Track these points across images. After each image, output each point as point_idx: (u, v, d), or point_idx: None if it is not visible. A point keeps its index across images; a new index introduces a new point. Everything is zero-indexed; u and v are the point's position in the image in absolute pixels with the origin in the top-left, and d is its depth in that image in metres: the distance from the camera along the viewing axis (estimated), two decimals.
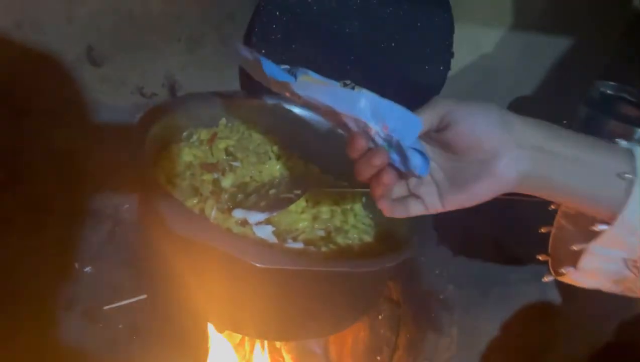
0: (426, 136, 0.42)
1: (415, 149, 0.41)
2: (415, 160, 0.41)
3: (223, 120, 0.68)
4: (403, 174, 0.43)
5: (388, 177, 0.42)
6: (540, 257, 0.47)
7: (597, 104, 0.77)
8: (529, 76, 1.05)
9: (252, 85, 0.76)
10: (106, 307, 0.54)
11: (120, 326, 0.55)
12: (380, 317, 0.69)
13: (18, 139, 0.68)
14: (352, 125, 0.42)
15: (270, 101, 0.71)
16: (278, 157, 0.68)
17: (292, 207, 0.59)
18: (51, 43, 0.72)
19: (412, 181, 0.44)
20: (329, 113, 0.44)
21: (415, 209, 0.45)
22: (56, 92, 0.74)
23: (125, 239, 0.59)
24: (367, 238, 0.60)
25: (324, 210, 0.62)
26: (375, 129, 0.41)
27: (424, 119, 0.41)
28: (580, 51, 1.06)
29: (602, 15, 1.02)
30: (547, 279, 0.47)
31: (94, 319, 0.54)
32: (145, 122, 0.57)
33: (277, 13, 0.74)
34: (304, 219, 0.60)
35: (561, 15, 1.01)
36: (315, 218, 0.61)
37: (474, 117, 0.40)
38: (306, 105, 0.45)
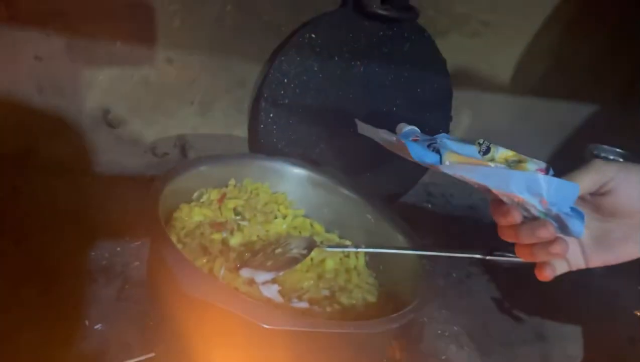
0: (579, 199, 0.42)
1: (573, 214, 0.41)
2: (575, 227, 0.41)
3: (232, 181, 0.70)
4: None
5: (560, 248, 0.42)
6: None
7: None
8: (525, 139, 1.08)
9: (259, 148, 0.80)
10: None
11: None
12: None
13: (34, 198, 0.71)
14: (504, 198, 0.43)
15: (276, 162, 0.74)
16: (284, 217, 0.70)
17: (298, 265, 0.61)
18: (70, 106, 0.76)
19: None
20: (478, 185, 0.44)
21: (561, 268, 0.45)
22: (73, 152, 0.78)
23: (135, 296, 0.61)
24: (371, 298, 0.61)
25: (329, 269, 0.64)
26: (532, 203, 0.41)
27: (583, 185, 0.42)
28: (576, 115, 1.10)
29: (597, 81, 1.06)
30: None
31: None
32: (159, 183, 0.59)
33: (285, 80, 0.78)
34: (309, 278, 0.61)
35: (558, 81, 1.05)
36: (320, 277, 0.62)
37: (636, 185, 0.41)
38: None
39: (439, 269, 0.76)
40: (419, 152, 0.45)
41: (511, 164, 0.43)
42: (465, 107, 0.95)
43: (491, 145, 0.44)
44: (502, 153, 0.44)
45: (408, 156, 0.46)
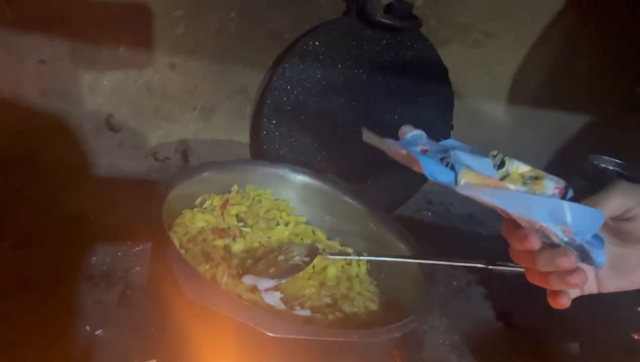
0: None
1: (595, 243, 0.39)
2: (598, 257, 0.39)
3: (235, 187, 0.70)
4: None
5: (580, 279, 0.40)
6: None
7: (591, 177, 0.80)
8: (525, 148, 1.09)
9: (261, 154, 0.80)
10: None
11: None
12: None
13: (35, 201, 0.70)
14: (523, 223, 0.40)
15: (278, 169, 0.74)
16: (286, 223, 0.70)
17: (300, 273, 0.61)
18: (73, 110, 0.76)
19: None
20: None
21: (574, 293, 0.44)
22: (75, 156, 0.78)
23: (136, 302, 0.61)
24: (373, 306, 0.61)
25: (331, 276, 0.64)
26: (555, 231, 0.39)
27: (608, 209, 0.40)
28: (575, 125, 1.10)
29: (597, 92, 1.07)
30: None
31: None
32: (163, 188, 0.59)
33: (288, 87, 0.78)
34: (311, 285, 0.61)
35: (557, 91, 1.06)
36: (321, 284, 0.62)
37: None
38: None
39: (440, 278, 0.76)
40: (432, 169, 0.42)
41: (527, 181, 0.41)
42: (466, 116, 0.96)
43: (505, 158, 0.42)
44: (516, 167, 0.42)
45: (418, 169, 0.43)
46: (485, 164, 0.42)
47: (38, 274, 0.60)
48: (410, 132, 0.50)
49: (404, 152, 0.46)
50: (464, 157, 0.42)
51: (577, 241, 0.39)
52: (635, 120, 1.05)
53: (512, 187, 0.40)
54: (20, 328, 0.53)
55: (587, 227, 0.38)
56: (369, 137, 0.52)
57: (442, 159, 0.43)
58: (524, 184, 0.41)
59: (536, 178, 0.41)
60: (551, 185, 0.40)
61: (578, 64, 1.05)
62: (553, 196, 0.40)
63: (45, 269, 0.61)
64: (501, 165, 0.42)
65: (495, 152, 0.43)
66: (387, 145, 0.49)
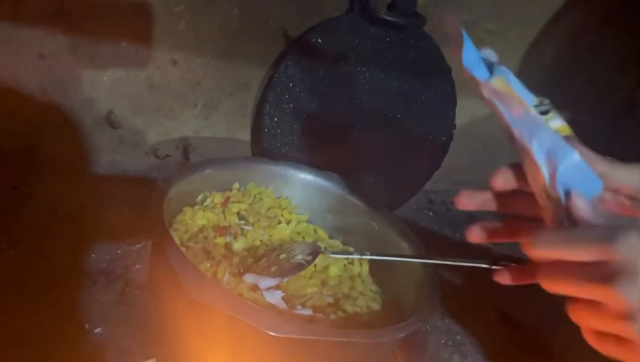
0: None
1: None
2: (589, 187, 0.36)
3: (236, 185, 0.70)
4: None
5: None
6: None
7: None
8: None
9: (262, 152, 0.80)
10: None
11: None
12: None
13: (34, 198, 0.70)
14: (519, 148, 0.39)
15: (280, 167, 0.73)
16: (288, 222, 0.69)
17: (301, 272, 0.60)
18: (73, 106, 0.76)
19: None
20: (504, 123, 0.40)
21: None
22: (74, 152, 0.77)
23: (136, 300, 0.60)
24: (375, 306, 0.61)
25: (333, 275, 0.63)
26: (541, 169, 0.37)
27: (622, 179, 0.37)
28: (579, 125, 1.10)
29: (602, 92, 1.07)
30: None
31: None
32: (164, 185, 0.59)
33: (290, 84, 0.78)
34: (313, 284, 0.61)
35: (561, 90, 1.05)
36: (323, 283, 0.62)
37: None
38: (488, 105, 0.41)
39: (442, 277, 0.76)
40: (471, 58, 0.40)
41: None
42: (468, 115, 0.95)
43: (552, 111, 0.39)
44: (557, 124, 0.39)
45: (457, 52, 0.40)
46: (525, 94, 0.40)
47: (36, 271, 0.60)
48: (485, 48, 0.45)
49: (458, 31, 0.41)
50: (509, 76, 0.40)
51: (556, 191, 0.36)
52: (639, 120, 1.05)
53: (532, 112, 0.39)
54: (17, 326, 0.53)
55: (576, 184, 0.36)
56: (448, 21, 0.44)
57: (487, 62, 0.41)
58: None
59: (566, 139, 0.38)
60: (575, 153, 0.37)
61: (581, 63, 1.04)
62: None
63: (44, 267, 0.60)
64: (544, 112, 0.39)
65: (547, 100, 0.40)
66: (454, 21, 0.43)
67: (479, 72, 0.40)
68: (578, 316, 0.36)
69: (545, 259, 0.36)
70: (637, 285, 0.30)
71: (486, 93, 0.40)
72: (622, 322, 0.31)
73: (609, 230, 0.33)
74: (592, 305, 0.33)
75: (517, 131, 0.39)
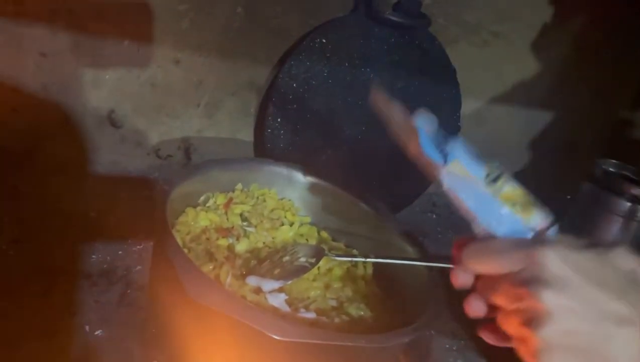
0: None
1: None
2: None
3: (239, 186, 0.69)
4: None
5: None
6: None
7: (600, 182, 0.79)
8: (534, 150, 1.08)
9: (265, 152, 0.79)
10: None
11: None
12: None
13: (34, 198, 0.69)
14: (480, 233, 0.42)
15: (284, 168, 0.73)
16: (291, 224, 0.69)
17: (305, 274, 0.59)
18: (75, 105, 0.75)
19: None
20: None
21: None
22: (75, 152, 0.76)
23: (137, 302, 0.59)
24: (379, 309, 0.60)
25: (336, 278, 0.62)
26: None
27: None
28: (583, 128, 1.09)
29: (605, 95, 1.06)
30: None
31: None
32: (167, 185, 0.58)
33: (294, 85, 0.77)
34: (316, 287, 0.60)
35: (565, 93, 1.05)
36: (327, 286, 0.61)
37: None
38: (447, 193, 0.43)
39: (446, 281, 0.75)
40: (427, 145, 0.43)
41: (516, 205, 0.41)
42: (473, 117, 0.95)
43: (502, 176, 0.41)
44: (509, 190, 0.41)
45: (412, 145, 0.44)
46: (476, 167, 0.42)
47: (36, 272, 0.59)
48: (425, 113, 0.48)
49: (409, 122, 0.46)
50: (460, 152, 0.42)
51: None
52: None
53: (483, 189, 0.41)
54: (17, 327, 0.52)
55: None
56: (377, 96, 0.50)
57: (438, 146, 0.43)
58: (512, 206, 0.41)
59: (526, 206, 0.41)
60: (537, 221, 0.40)
61: (585, 65, 1.04)
62: (533, 230, 0.40)
63: (44, 267, 0.60)
64: (495, 179, 0.41)
65: (497, 164, 0.42)
66: (395, 110, 0.49)
67: (436, 157, 0.43)
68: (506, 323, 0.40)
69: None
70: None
71: (445, 182, 0.42)
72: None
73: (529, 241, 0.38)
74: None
75: (480, 217, 0.41)
